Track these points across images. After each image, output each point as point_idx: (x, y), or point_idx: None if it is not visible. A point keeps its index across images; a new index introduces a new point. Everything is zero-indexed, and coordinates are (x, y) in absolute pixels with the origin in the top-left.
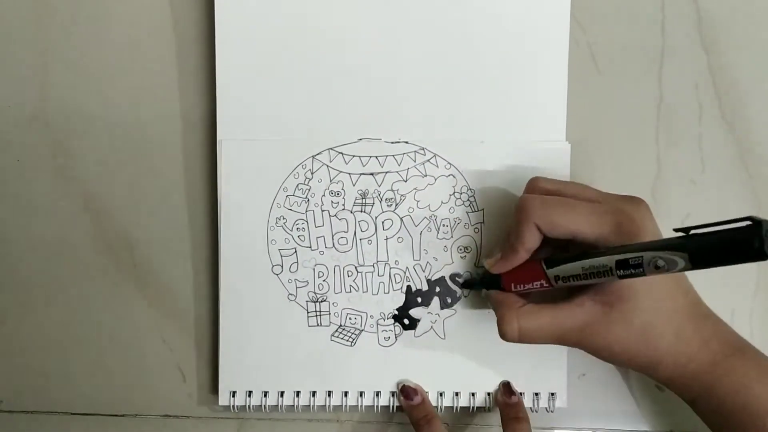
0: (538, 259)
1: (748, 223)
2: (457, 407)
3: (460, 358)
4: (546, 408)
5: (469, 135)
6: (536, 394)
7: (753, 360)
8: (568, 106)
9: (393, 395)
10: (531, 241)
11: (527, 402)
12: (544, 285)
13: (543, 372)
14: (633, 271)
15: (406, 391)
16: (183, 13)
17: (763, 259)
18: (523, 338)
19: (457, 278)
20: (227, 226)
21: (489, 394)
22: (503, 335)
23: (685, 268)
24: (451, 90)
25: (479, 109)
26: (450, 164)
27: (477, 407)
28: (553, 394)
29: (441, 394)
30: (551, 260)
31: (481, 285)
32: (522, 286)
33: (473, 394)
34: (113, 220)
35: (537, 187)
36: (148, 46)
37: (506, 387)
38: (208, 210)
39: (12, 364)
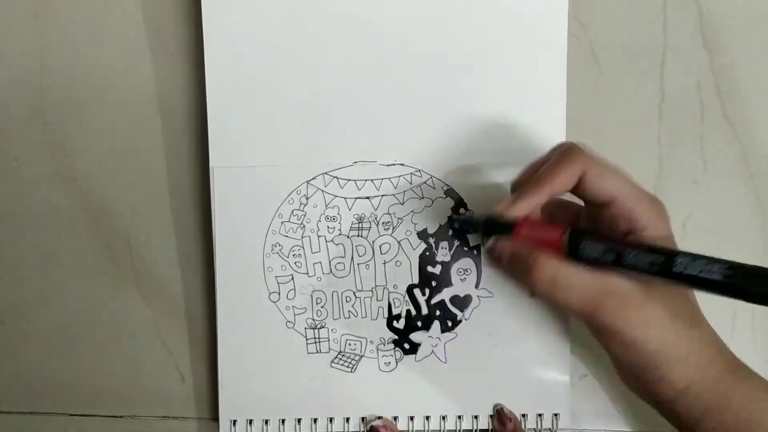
0: (562, 226)
1: None
2: (459, 430)
3: (462, 382)
4: (550, 429)
5: (465, 155)
6: (539, 414)
7: (758, 375)
8: (569, 105)
9: (395, 419)
10: (564, 182)
11: (530, 423)
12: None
13: (546, 392)
14: (671, 276)
15: (375, 431)
16: (172, 39)
17: None
18: (555, 290)
19: (453, 222)
20: (223, 255)
21: (492, 416)
22: (533, 282)
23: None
24: (446, 110)
25: (475, 130)
26: (447, 185)
27: (480, 430)
28: (556, 414)
29: (443, 418)
30: (578, 235)
31: (484, 229)
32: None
33: (476, 417)
34: (112, 220)
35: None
36: (141, 57)
37: (499, 414)
38: (203, 226)
39: (12, 364)
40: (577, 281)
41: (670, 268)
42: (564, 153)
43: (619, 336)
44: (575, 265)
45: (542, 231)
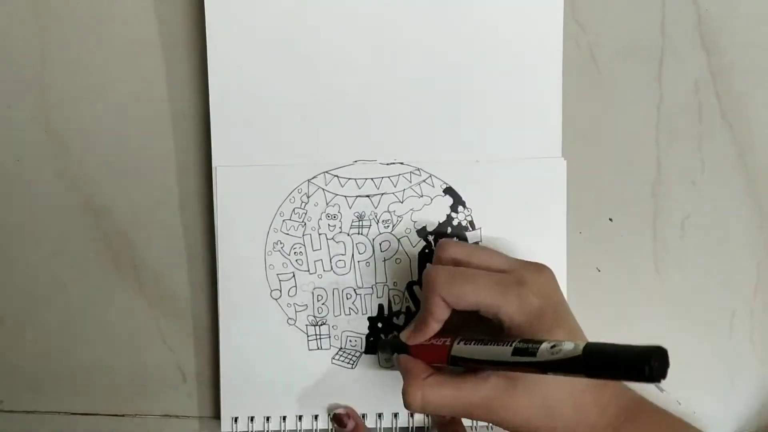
0: (447, 342)
1: (650, 347)
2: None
3: None
4: None
5: (464, 154)
6: None
7: (649, 421)
8: (568, 106)
9: (395, 416)
10: (439, 313)
11: None
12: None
13: None
14: (528, 364)
15: (338, 419)
16: (174, 38)
17: (650, 381)
18: (426, 409)
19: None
20: (224, 253)
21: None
22: (407, 406)
23: (576, 368)
24: (446, 109)
25: (474, 128)
26: (446, 184)
27: (480, 426)
28: None
29: None
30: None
31: (392, 349)
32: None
33: None
34: (113, 219)
35: (445, 256)
36: (143, 56)
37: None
38: (205, 225)
39: (12, 364)
40: (441, 400)
41: (530, 361)
42: (425, 283)
43: (500, 427)
44: (446, 381)
45: (431, 351)
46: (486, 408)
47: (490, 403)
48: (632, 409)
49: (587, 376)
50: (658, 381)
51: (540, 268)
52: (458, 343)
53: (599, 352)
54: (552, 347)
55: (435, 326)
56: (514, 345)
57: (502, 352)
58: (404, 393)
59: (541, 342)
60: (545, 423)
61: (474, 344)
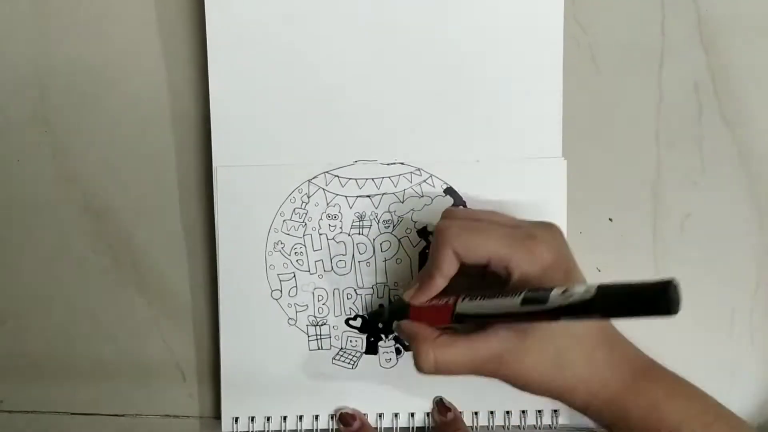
0: (449, 301)
1: (663, 280)
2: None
3: (463, 378)
4: (549, 425)
5: (464, 154)
6: (539, 411)
7: (662, 380)
8: (568, 106)
9: (395, 416)
10: (448, 267)
11: (530, 419)
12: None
13: None
14: (539, 313)
15: (344, 419)
16: (174, 39)
17: (666, 315)
18: (440, 370)
19: (364, 316)
20: (225, 253)
21: (508, 412)
22: (419, 368)
23: (590, 309)
24: (446, 109)
25: (475, 128)
26: (446, 184)
27: (482, 426)
28: (555, 411)
29: None
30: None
31: (390, 316)
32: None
33: (476, 414)
34: (114, 220)
35: (451, 215)
36: (143, 56)
37: (440, 405)
38: (206, 225)
39: (12, 364)
40: (454, 359)
41: (541, 309)
42: (436, 236)
43: (509, 384)
44: (457, 339)
45: (430, 310)
46: (498, 362)
47: (503, 356)
48: (645, 369)
49: (603, 317)
50: (675, 313)
51: (549, 225)
52: (462, 300)
53: (613, 290)
54: (563, 292)
55: (441, 282)
56: (523, 295)
57: (511, 303)
58: (416, 355)
59: (551, 289)
60: (558, 376)
61: (480, 299)
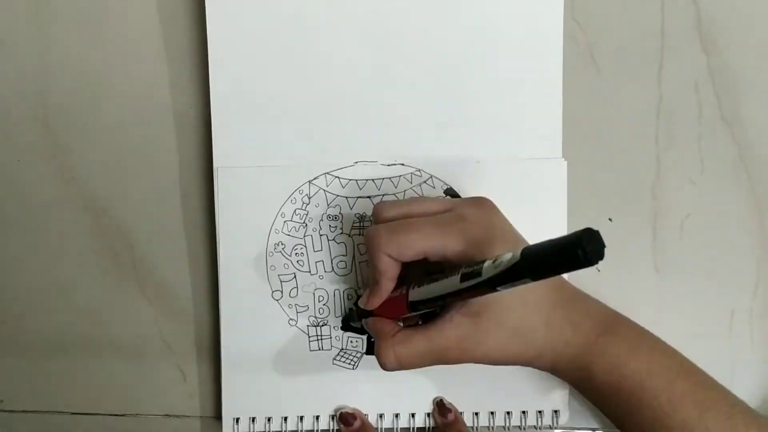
0: (404, 290)
1: (579, 231)
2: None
3: (463, 379)
4: (550, 426)
5: (464, 155)
6: (539, 411)
7: (625, 336)
8: (568, 106)
9: (396, 417)
10: (388, 270)
11: (530, 420)
12: (410, 315)
13: (546, 389)
14: (477, 286)
15: (344, 418)
16: (175, 38)
17: (588, 265)
18: (403, 365)
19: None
20: (226, 254)
21: (508, 413)
22: (383, 366)
23: (519, 273)
24: (447, 110)
25: (475, 128)
26: (447, 184)
27: (482, 426)
28: (556, 411)
29: None
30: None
31: (359, 317)
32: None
33: (476, 414)
34: (114, 220)
35: (381, 216)
36: (144, 57)
37: (441, 406)
38: (206, 226)
39: (12, 364)
40: (415, 351)
41: (478, 282)
42: (367, 244)
43: (477, 363)
44: (414, 333)
45: (391, 305)
46: (459, 349)
47: (463, 342)
48: (608, 323)
49: (532, 279)
50: (595, 263)
51: (479, 201)
52: (413, 288)
53: (534, 250)
54: (494, 261)
55: (388, 285)
56: (461, 272)
57: (452, 282)
58: (377, 355)
59: (484, 261)
60: (522, 347)
61: (426, 284)
